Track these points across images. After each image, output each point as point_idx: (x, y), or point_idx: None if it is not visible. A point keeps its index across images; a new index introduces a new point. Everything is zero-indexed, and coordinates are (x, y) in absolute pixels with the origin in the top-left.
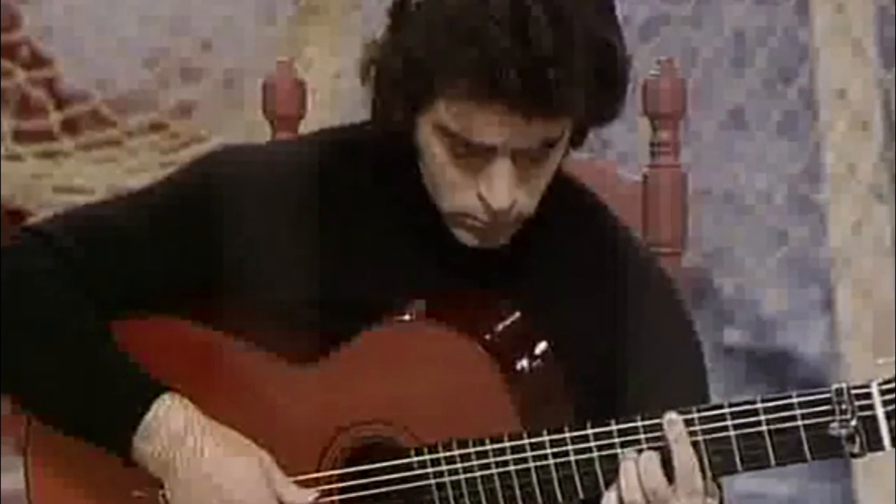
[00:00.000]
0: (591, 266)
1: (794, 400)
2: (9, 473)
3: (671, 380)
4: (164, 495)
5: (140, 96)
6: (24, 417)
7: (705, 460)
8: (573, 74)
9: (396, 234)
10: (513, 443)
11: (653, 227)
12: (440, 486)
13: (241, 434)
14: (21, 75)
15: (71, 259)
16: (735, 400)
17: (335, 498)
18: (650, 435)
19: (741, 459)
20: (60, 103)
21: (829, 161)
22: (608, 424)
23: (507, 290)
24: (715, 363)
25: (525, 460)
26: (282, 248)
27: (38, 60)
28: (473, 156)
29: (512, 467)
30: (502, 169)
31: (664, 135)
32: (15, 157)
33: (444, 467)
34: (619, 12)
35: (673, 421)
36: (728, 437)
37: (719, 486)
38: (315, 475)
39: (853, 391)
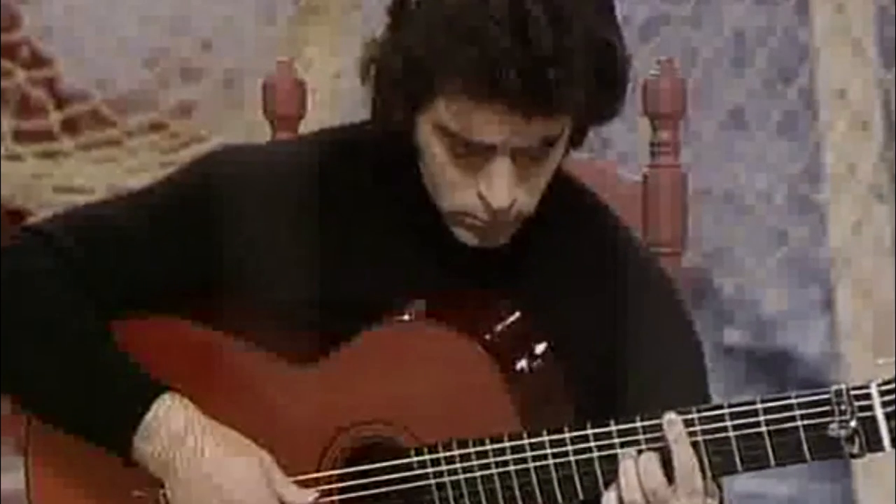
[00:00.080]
0: (591, 266)
1: (794, 401)
2: (9, 473)
3: (671, 380)
4: (164, 495)
5: (140, 96)
6: (24, 417)
7: (705, 460)
8: (573, 74)
9: (396, 233)
10: (513, 443)
11: (653, 227)
12: (440, 486)
13: (242, 434)
14: (21, 75)
15: (71, 259)
16: (735, 400)
17: (335, 498)
18: (650, 435)
19: (741, 460)
20: (60, 103)
21: (829, 161)
22: (608, 425)
23: (507, 289)
24: (715, 363)
25: (525, 460)
26: (282, 248)
27: (38, 60)
28: (473, 155)
29: (512, 467)
30: (502, 168)
31: (664, 135)
32: (15, 157)
33: (444, 467)
34: (619, 12)
35: (673, 421)
36: (728, 438)
37: (719, 487)
38: (315, 475)
39: (853, 392)
